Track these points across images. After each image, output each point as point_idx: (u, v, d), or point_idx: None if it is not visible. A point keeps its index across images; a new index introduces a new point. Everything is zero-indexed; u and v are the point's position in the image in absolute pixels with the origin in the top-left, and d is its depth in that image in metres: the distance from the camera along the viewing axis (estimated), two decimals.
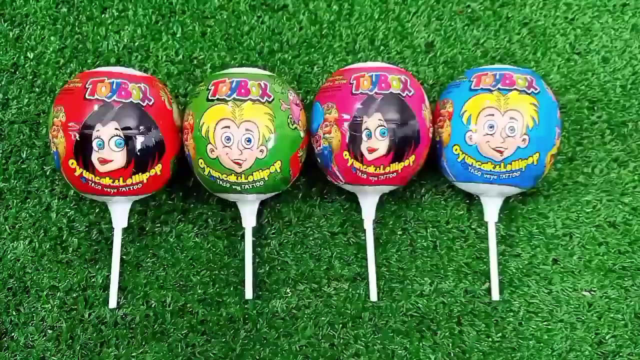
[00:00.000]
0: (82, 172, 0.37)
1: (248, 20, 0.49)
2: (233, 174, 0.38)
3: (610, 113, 0.47)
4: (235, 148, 0.37)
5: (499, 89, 0.39)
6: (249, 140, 0.37)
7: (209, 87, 0.39)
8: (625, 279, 0.44)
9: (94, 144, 0.37)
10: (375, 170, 0.39)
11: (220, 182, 0.39)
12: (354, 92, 0.39)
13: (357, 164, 0.39)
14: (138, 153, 0.38)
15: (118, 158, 0.37)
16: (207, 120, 0.38)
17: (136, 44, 0.48)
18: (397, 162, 0.39)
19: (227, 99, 0.38)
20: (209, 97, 0.38)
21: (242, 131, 0.37)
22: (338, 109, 0.39)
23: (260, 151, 0.38)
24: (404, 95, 0.39)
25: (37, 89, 0.46)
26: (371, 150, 0.39)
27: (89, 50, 0.47)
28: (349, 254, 0.45)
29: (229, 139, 0.37)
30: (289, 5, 0.49)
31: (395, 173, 0.40)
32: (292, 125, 0.39)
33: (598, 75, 0.48)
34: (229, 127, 0.37)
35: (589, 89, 0.48)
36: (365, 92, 0.39)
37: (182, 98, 0.47)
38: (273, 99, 0.38)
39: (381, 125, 0.38)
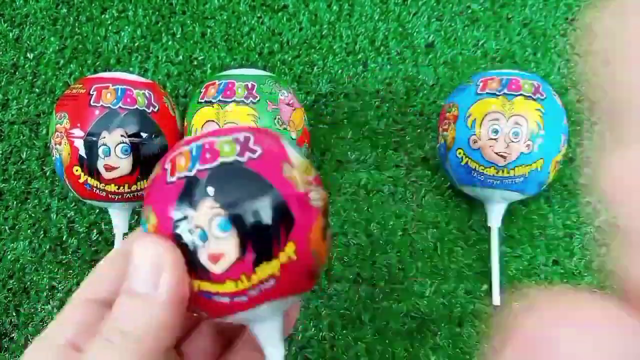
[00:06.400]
0: (86, 179, 0.37)
1: (248, 21, 0.49)
2: None
3: None
4: None
5: (504, 93, 0.39)
6: None
7: (201, 90, 0.39)
8: None
9: (100, 151, 0.37)
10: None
11: None
12: None
13: None
14: (144, 159, 0.38)
15: (124, 165, 0.37)
16: (196, 123, 0.38)
17: (136, 44, 0.48)
18: None
19: (213, 101, 0.38)
20: (199, 100, 0.38)
21: None
22: None
23: None
24: None
25: (37, 90, 0.46)
26: None
27: (88, 50, 0.47)
28: (350, 255, 0.45)
29: None
30: (289, 6, 0.49)
31: None
32: (280, 125, 0.39)
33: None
34: (213, 129, 0.37)
35: (590, 90, 0.48)
36: None
37: (182, 99, 0.47)
38: (259, 100, 0.38)
39: None
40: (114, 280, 0.21)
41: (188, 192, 0.20)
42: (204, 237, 0.19)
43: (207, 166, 0.20)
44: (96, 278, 0.22)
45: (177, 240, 0.20)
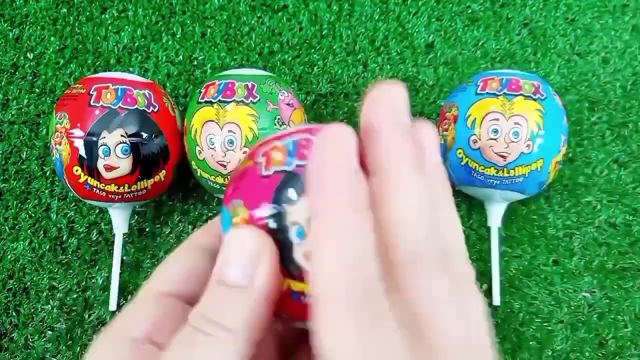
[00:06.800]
0: (86, 179, 0.37)
1: (248, 21, 0.49)
2: (220, 176, 0.38)
3: (611, 114, 0.47)
4: (219, 150, 0.37)
5: (504, 93, 0.39)
6: (232, 142, 0.37)
7: (201, 90, 0.39)
8: (626, 280, 0.44)
9: (100, 151, 0.37)
10: None
11: (211, 184, 0.39)
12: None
13: None
14: (144, 159, 0.38)
15: (124, 165, 0.37)
16: (196, 122, 0.38)
17: (136, 44, 0.48)
18: None
19: (213, 101, 0.38)
20: (199, 100, 0.38)
21: (225, 133, 0.37)
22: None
23: (244, 152, 0.37)
24: None
25: (37, 90, 0.46)
26: None
27: (89, 50, 0.47)
28: None
29: (212, 140, 0.37)
30: (289, 6, 0.49)
31: None
32: (281, 125, 0.39)
33: (598, 76, 0.48)
34: (213, 128, 0.37)
35: (589, 90, 0.48)
36: None
37: (182, 99, 0.47)
38: (259, 100, 0.38)
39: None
40: (187, 274, 0.21)
41: (285, 187, 0.19)
42: (301, 234, 0.19)
43: (307, 162, 0.19)
44: (167, 271, 0.21)
45: (271, 235, 0.19)
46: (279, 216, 0.19)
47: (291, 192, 0.19)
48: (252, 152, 0.21)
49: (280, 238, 0.19)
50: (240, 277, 0.18)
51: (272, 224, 0.19)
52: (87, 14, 0.48)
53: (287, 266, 0.19)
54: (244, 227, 0.19)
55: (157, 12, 0.48)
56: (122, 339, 0.19)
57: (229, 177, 0.37)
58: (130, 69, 0.47)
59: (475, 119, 0.39)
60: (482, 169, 0.39)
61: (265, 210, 0.19)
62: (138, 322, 0.19)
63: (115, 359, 0.19)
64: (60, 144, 0.37)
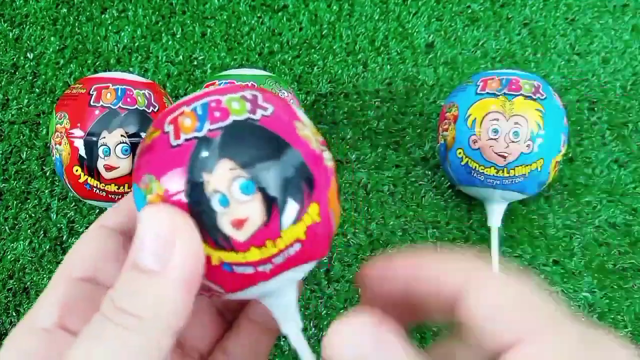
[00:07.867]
0: (86, 179, 0.37)
1: (248, 21, 0.49)
2: None
3: (611, 114, 0.47)
4: None
5: (504, 93, 0.39)
6: None
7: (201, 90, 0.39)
8: (626, 280, 0.44)
9: (100, 151, 0.37)
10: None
11: None
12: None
13: None
14: None
15: (124, 165, 0.37)
16: None
17: (136, 44, 0.48)
18: None
19: None
20: None
21: None
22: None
23: None
24: None
25: (37, 90, 0.46)
26: None
27: (89, 50, 0.47)
28: (350, 255, 0.45)
29: None
30: (289, 6, 0.49)
31: None
32: None
33: (598, 76, 0.48)
34: None
35: (589, 90, 0.48)
36: None
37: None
38: None
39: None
40: (96, 256, 0.19)
41: (200, 155, 0.17)
42: (225, 202, 0.17)
43: (219, 125, 0.18)
44: (75, 255, 0.20)
45: (191, 208, 0.17)
46: (197, 187, 0.17)
47: (207, 159, 0.17)
48: (158, 120, 0.19)
49: (202, 210, 0.17)
50: (153, 261, 0.16)
51: (191, 197, 0.17)
52: (87, 14, 0.48)
53: (215, 238, 0.17)
54: (157, 206, 0.17)
55: (157, 12, 0.48)
56: (31, 329, 0.18)
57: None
58: (130, 69, 0.47)
59: (475, 118, 0.39)
60: (482, 169, 0.39)
61: (181, 183, 0.17)
62: (47, 311, 0.18)
63: (24, 350, 0.18)
64: (60, 144, 0.37)
